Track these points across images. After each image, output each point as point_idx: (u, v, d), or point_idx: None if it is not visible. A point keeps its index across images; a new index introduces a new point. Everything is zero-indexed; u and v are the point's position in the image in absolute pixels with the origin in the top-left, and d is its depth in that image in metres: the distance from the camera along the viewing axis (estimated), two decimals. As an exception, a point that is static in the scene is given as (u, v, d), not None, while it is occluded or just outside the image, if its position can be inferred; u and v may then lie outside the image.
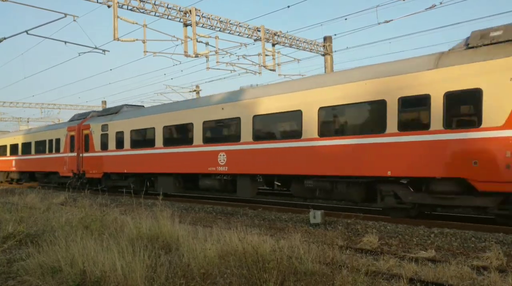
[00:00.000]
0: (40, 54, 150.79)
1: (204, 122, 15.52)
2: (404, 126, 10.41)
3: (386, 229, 9.82)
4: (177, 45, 18.52)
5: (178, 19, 18.27)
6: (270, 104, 13.39)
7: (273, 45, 21.79)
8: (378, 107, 10.89)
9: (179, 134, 16.83)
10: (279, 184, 14.21)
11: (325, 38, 23.59)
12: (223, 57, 20.91)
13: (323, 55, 23.69)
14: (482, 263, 6.86)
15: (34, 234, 8.61)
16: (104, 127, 21.00)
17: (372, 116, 11.24)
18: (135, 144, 18.95)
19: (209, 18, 19.13)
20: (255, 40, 20.85)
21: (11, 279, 6.26)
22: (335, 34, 25.39)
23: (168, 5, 17.86)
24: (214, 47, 19.90)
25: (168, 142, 17.19)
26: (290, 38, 22.41)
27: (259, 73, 22.21)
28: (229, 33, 19.99)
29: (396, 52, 64.51)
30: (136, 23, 16.97)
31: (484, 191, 9.30)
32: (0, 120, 47.92)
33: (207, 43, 19.65)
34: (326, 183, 12.17)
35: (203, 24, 18.94)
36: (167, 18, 18.06)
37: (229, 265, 5.69)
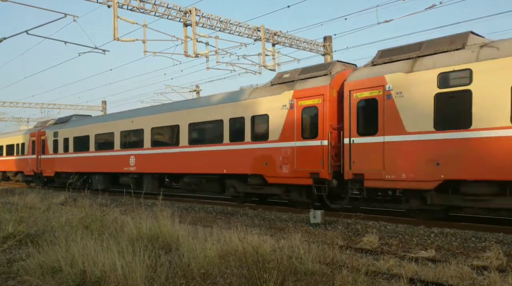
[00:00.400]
0: (40, 54, 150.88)
1: (121, 132, 20.35)
2: (232, 138, 14.99)
3: (386, 229, 9.82)
4: (177, 45, 18.53)
5: (178, 19, 18.27)
6: (161, 120, 18.19)
7: (273, 45, 21.79)
8: (219, 125, 15.40)
9: (105, 141, 21.45)
10: (168, 180, 18.75)
11: (325, 38, 23.58)
12: (223, 57, 20.92)
13: (323, 55, 23.69)
14: (482, 263, 6.86)
15: (34, 234, 8.61)
16: (55, 134, 25.63)
17: (217, 130, 15.56)
18: (76, 148, 23.67)
19: (209, 18, 19.13)
20: (255, 40, 20.85)
21: (11, 279, 6.25)
22: (335, 34, 25.37)
23: (168, 5, 17.86)
24: (214, 47, 19.91)
25: (98, 147, 21.94)
26: (290, 38, 22.41)
27: (259, 73, 22.21)
28: (229, 33, 20.00)
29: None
30: (136, 23, 16.98)
31: (272, 183, 13.71)
32: (0, 120, 47.92)
33: (207, 43, 19.65)
34: (196, 179, 16.82)
35: (203, 24, 18.93)
36: (167, 18, 18.06)
37: (229, 265, 5.69)
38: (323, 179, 12.24)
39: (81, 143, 23.05)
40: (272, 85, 14.45)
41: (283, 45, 22.28)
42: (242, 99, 14.89)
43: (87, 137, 22.56)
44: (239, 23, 20.09)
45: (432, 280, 5.70)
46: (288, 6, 19.38)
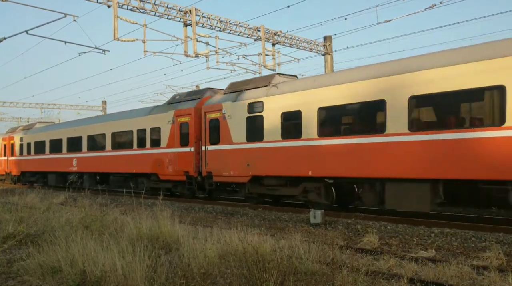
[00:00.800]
0: (40, 54, 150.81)
1: (68, 138, 24.71)
2: (139, 145, 19.21)
3: (387, 229, 9.82)
4: (177, 45, 18.52)
5: (178, 19, 18.26)
6: (94, 129, 22.52)
7: (273, 45, 21.79)
8: (131, 134, 19.77)
9: (57, 146, 25.74)
10: (99, 178, 22.67)
11: (325, 38, 23.58)
12: (223, 57, 20.92)
13: (323, 55, 23.69)
14: (482, 262, 6.86)
15: (34, 234, 8.61)
16: (22, 138, 30.27)
17: (129, 138, 19.77)
18: (36, 151, 28.17)
19: (209, 18, 19.13)
20: (255, 40, 20.85)
21: (11, 279, 6.25)
22: (335, 34, 25.32)
23: (168, 5, 17.85)
24: (214, 47, 19.90)
25: (52, 150, 26.32)
26: (290, 38, 22.41)
27: (259, 73, 22.20)
28: (229, 33, 19.99)
29: (396, 52, 64.49)
30: (136, 23, 16.97)
31: (163, 179, 18.01)
32: (0, 120, 47.90)
33: (207, 43, 19.64)
34: (118, 177, 21.21)
35: (203, 24, 18.93)
36: (167, 18, 18.06)
37: (229, 265, 5.69)
38: (191, 176, 16.52)
39: (41, 147, 27.69)
40: (168, 104, 18.63)
41: (283, 45, 22.28)
42: (145, 115, 19.22)
43: (44, 142, 27.28)
44: (239, 23, 20.09)
45: (432, 280, 5.70)
46: (288, 6, 19.41)
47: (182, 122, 16.93)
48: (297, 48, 22.93)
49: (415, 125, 10.42)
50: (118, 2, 16.35)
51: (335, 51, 23.74)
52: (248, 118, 14.25)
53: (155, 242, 7.18)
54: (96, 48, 18.12)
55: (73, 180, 23.93)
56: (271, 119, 13.49)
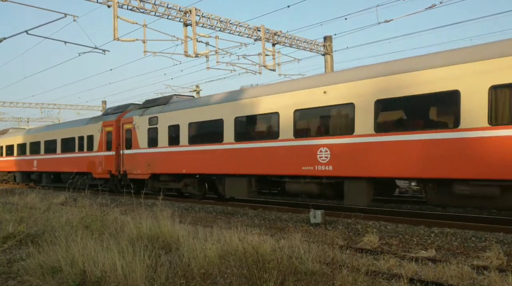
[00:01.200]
0: (40, 54, 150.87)
1: (30, 143, 28.78)
2: (79, 149, 23.29)
3: (387, 229, 9.82)
4: (177, 45, 18.54)
5: (178, 19, 18.27)
6: (50, 135, 26.52)
7: (273, 45, 21.79)
8: (74, 140, 23.89)
9: (23, 149, 29.64)
10: (52, 176, 26.74)
11: (325, 38, 23.58)
12: (223, 57, 20.94)
13: (323, 55, 23.69)
14: (482, 262, 6.85)
15: (34, 234, 8.61)
16: None
17: (74, 144, 23.88)
18: (7, 154, 32.46)
19: (209, 18, 19.13)
20: (255, 40, 20.85)
21: (11, 279, 6.25)
22: (335, 34, 25.36)
23: (168, 5, 17.85)
24: (214, 47, 19.91)
25: (20, 153, 30.19)
26: (290, 38, 22.41)
27: (259, 73, 22.23)
28: (229, 33, 19.99)
29: (396, 52, 64.49)
30: (136, 23, 16.98)
31: (96, 177, 21.69)
32: (0, 120, 47.91)
33: (207, 43, 19.65)
34: (67, 175, 23.32)
35: (203, 24, 18.93)
36: (167, 18, 18.06)
37: (229, 265, 5.69)
38: (114, 174, 20.54)
39: (12, 150, 31.85)
40: (100, 116, 23.10)
41: (283, 45, 22.28)
42: (84, 125, 23.27)
43: (13, 146, 31.53)
44: (239, 23, 20.08)
45: (432, 280, 5.70)
46: (288, 6, 19.41)
47: (108, 131, 21.13)
48: (297, 48, 22.93)
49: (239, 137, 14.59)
50: (118, 2, 16.35)
51: (335, 51, 23.76)
52: (149, 129, 18.32)
53: (155, 242, 7.18)
54: (96, 48, 18.14)
55: (34, 178, 28.86)
56: (163, 131, 17.51)
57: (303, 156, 12.18)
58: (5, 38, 17.96)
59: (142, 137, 18.71)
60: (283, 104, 12.81)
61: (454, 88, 9.43)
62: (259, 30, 20.62)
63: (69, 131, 24.57)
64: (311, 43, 23.20)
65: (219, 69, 30.05)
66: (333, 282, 5.10)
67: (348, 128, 11.26)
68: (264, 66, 21.24)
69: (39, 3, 17.96)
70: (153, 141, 18.01)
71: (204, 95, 21.10)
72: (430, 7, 17.12)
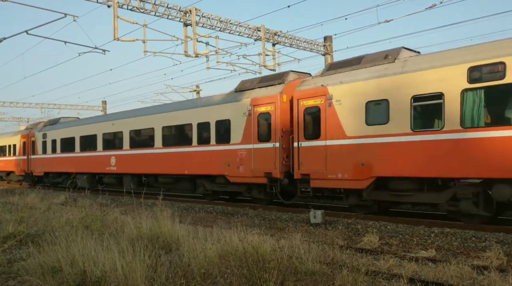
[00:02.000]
0: (40, 54, 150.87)
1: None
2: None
3: (387, 229, 9.82)
4: (177, 45, 18.49)
5: (178, 19, 18.25)
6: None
7: (273, 45, 21.77)
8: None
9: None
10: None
11: (325, 38, 23.56)
12: (223, 57, 20.89)
13: (324, 55, 23.67)
14: (483, 262, 6.86)
15: (34, 234, 8.62)
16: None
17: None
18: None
19: (209, 18, 19.12)
20: (255, 40, 20.83)
21: (12, 279, 6.26)
22: (335, 34, 25.40)
23: (168, 5, 17.84)
24: (214, 47, 19.88)
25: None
26: (290, 38, 22.39)
27: (260, 73, 22.18)
28: (229, 33, 19.97)
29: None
30: (136, 23, 16.95)
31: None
32: (0, 120, 47.90)
33: (207, 43, 19.62)
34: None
35: (203, 24, 18.91)
36: (167, 18, 18.04)
37: (229, 265, 5.69)
38: (27, 172, 27.42)
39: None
40: (25, 129, 27.12)
41: (283, 45, 22.26)
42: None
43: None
44: (239, 23, 20.08)
45: (432, 280, 5.70)
46: (288, 6, 19.38)
47: (24, 142, 24.49)
48: (297, 48, 22.91)
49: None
50: (118, 2, 16.34)
51: (335, 51, 23.73)
52: (42, 142, 22.61)
53: (155, 242, 7.18)
54: (96, 48, 18.12)
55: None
56: (50, 142, 27.18)
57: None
58: (5, 38, 17.96)
59: (39, 147, 26.28)
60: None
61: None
62: (259, 30, 20.61)
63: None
64: (311, 43, 23.19)
65: (219, 69, 30.12)
66: (333, 282, 5.11)
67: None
68: (264, 66, 21.22)
69: (39, 3, 17.98)
70: (45, 150, 26.27)
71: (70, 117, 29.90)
72: (430, 7, 17.11)
